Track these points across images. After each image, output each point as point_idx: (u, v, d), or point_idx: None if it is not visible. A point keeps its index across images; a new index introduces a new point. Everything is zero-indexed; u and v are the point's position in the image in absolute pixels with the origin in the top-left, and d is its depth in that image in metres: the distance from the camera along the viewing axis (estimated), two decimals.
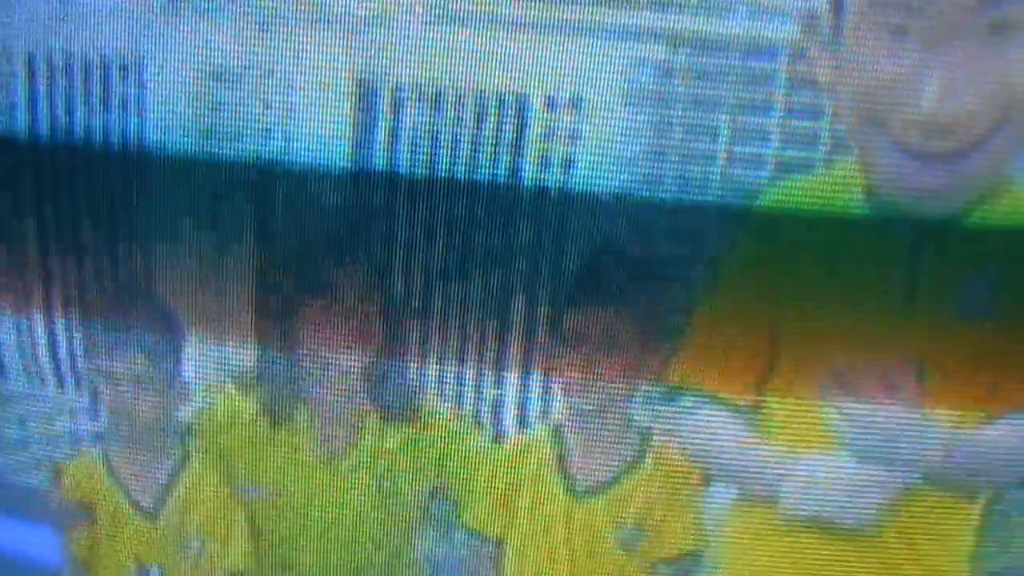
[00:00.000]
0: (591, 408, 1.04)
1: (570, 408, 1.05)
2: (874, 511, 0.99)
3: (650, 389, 1.00)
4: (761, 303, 0.97)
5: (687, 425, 1.02)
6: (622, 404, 1.03)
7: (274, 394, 1.07)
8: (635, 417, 1.03)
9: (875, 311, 0.94)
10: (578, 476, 1.08)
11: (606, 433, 1.04)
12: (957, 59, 0.84)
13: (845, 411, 0.97)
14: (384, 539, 1.14)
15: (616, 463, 1.06)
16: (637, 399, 1.02)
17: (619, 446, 1.04)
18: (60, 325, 1.07)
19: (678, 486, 1.04)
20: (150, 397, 1.08)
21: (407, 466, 1.09)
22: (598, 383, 1.02)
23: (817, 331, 0.96)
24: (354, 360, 1.05)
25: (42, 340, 1.07)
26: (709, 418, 1.01)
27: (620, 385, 1.01)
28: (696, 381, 1.00)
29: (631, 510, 1.07)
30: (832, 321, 0.95)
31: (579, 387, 1.02)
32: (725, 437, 1.01)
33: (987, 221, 0.90)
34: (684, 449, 1.02)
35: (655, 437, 1.04)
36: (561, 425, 1.07)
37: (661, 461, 1.04)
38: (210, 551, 1.14)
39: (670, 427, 1.01)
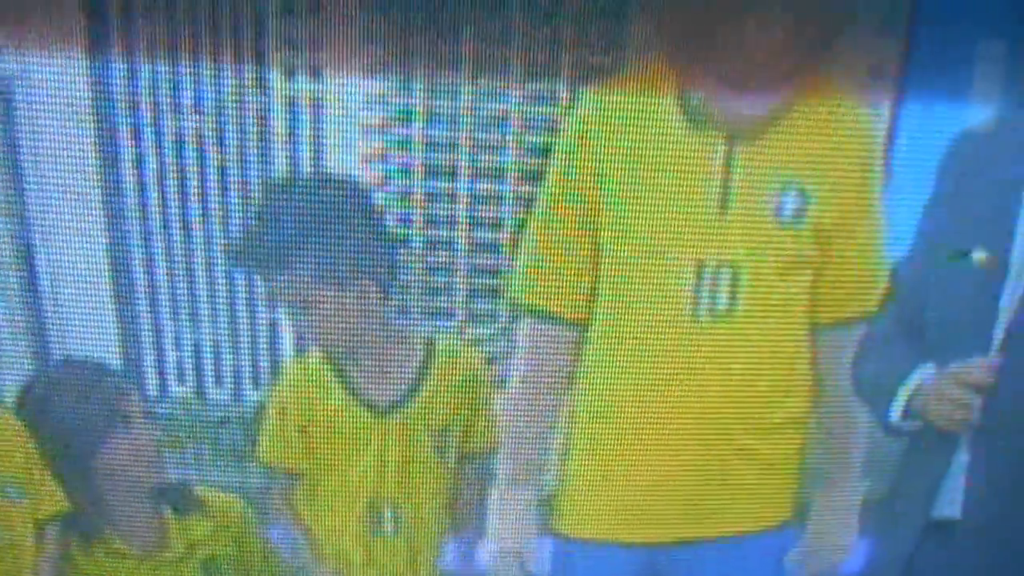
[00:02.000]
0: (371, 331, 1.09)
1: (350, 334, 1.09)
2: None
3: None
4: (584, 212, 1.01)
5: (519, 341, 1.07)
6: (401, 324, 1.09)
7: None
8: (417, 332, 1.10)
9: (690, 217, 0.99)
10: (374, 396, 1.13)
11: (390, 351, 1.09)
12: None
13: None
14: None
15: (408, 376, 1.12)
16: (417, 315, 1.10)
17: (406, 361, 1.10)
18: None
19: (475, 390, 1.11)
20: None
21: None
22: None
23: (633, 239, 1.00)
24: None
25: None
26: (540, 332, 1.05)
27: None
28: (526, 299, 1.06)
29: (436, 415, 1.13)
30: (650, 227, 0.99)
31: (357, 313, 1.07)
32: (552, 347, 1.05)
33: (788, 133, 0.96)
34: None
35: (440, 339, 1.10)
36: (345, 352, 1.12)
37: (450, 370, 1.10)
38: None
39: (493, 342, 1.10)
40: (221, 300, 1.10)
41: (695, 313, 1.00)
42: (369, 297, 1.07)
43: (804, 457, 1.09)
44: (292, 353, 1.18)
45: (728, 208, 0.98)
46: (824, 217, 0.99)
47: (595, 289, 1.03)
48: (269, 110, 0.97)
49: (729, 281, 0.99)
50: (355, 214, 1.02)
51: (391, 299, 1.10)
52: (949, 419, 0.95)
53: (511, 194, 1.03)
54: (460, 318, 1.09)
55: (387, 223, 1.07)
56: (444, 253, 1.07)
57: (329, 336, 1.08)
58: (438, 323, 1.11)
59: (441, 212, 1.05)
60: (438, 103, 0.99)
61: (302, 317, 1.07)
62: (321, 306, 1.04)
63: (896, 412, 0.98)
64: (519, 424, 1.07)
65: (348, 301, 1.05)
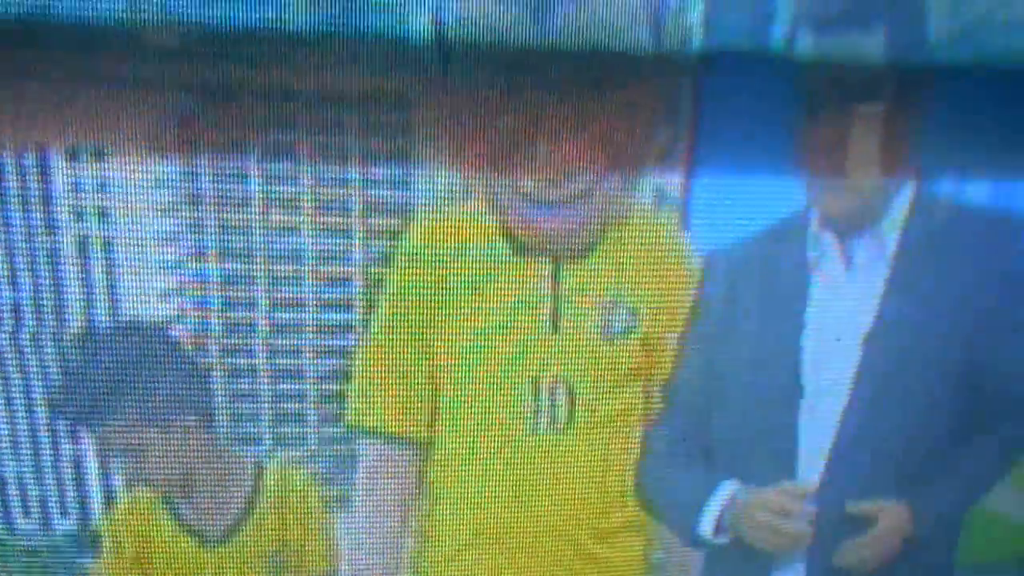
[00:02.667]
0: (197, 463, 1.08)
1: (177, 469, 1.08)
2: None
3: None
4: (417, 339, 1.04)
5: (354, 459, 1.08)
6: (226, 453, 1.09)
7: None
8: (243, 459, 1.10)
9: (524, 338, 1.03)
10: (205, 527, 1.13)
11: (218, 481, 1.09)
12: (564, 116, 0.93)
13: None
14: None
15: (238, 504, 1.12)
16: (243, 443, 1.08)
17: (234, 489, 1.10)
18: None
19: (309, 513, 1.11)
20: None
21: None
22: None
23: (470, 362, 1.04)
24: None
25: None
26: (381, 453, 1.07)
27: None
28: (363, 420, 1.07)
29: (267, 540, 1.12)
30: (484, 348, 1.03)
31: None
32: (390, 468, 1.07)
33: (613, 254, 1.02)
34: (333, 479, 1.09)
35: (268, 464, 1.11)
36: (174, 487, 1.10)
37: (284, 496, 1.11)
38: None
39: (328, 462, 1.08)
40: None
41: (535, 428, 1.04)
42: (192, 432, 1.06)
43: (648, 559, 1.13)
44: (122, 490, 1.15)
45: (559, 327, 1.03)
46: (650, 331, 1.05)
47: (435, 409, 1.06)
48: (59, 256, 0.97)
49: (565, 396, 1.04)
50: (164, 353, 1.02)
51: (214, 431, 1.09)
52: (763, 540, 1.00)
53: (340, 320, 1.05)
54: (287, 442, 1.10)
55: (200, 357, 1.08)
56: (267, 379, 1.08)
57: (157, 474, 1.07)
58: (264, 449, 1.11)
59: (260, 341, 1.06)
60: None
61: (128, 460, 1.06)
62: (146, 448, 1.04)
63: (707, 527, 1.03)
64: (365, 544, 1.08)
65: (172, 439, 1.05)
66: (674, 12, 0.95)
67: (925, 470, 1.01)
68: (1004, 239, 1.04)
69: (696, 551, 1.09)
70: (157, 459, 1.04)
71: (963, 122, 1.04)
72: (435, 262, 1.01)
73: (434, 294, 1.02)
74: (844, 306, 1.02)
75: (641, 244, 1.03)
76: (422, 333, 1.03)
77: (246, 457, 1.13)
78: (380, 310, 1.04)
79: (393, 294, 1.04)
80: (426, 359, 1.04)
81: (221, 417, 1.04)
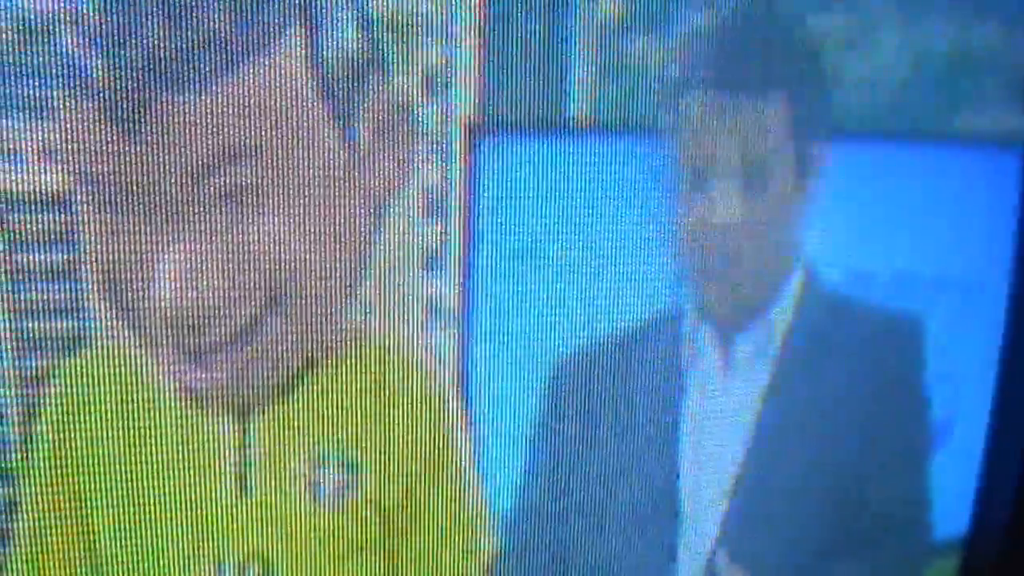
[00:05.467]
0: None
1: None
2: None
3: None
4: (72, 518, 0.77)
5: None
6: None
7: None
8: None
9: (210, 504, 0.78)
10: None
11: None
12: (187, 239, 0.70)
13: None
14: None
15: None
16: None
17: None
18: None
19: None
20: None
21: None
22: None
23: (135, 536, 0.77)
24: None
25: None
26: None
27: None
28: None
29: None
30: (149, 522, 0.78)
31: None
32: None
33: (321, 396, 0.78)
34: None
35: None
36: None
37: None
38: None
39: None
40: None
41: None
42: None
43: None
44: None
45: (248, 494, 0.78)
46: (385, 493, 0.81)
47: None
48: None
49: None
50: None
51: None
52: None
53: None
54: None
55: None
56: None
57: None
58: None
59: None
60: None
61: None
62: None
63: None
64: None
65: None
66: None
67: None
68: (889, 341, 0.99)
69: None
70: None
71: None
72: (90, 415, 0.74)
73: (91, 461, 0.75)
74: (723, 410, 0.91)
75: (366, 379, 0.78)
76: (77, 506, 0.77)
77: None
78: (32, 480, 0.76)
79: (45, 458, 0.76)
80: (84, 539, 0.78)
81: None
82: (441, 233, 0.80)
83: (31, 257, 0.70)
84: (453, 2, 0.74)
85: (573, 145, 0.81)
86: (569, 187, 0.81)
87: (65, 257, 0.71)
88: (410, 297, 0.80)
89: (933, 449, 1.09)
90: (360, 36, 0.71)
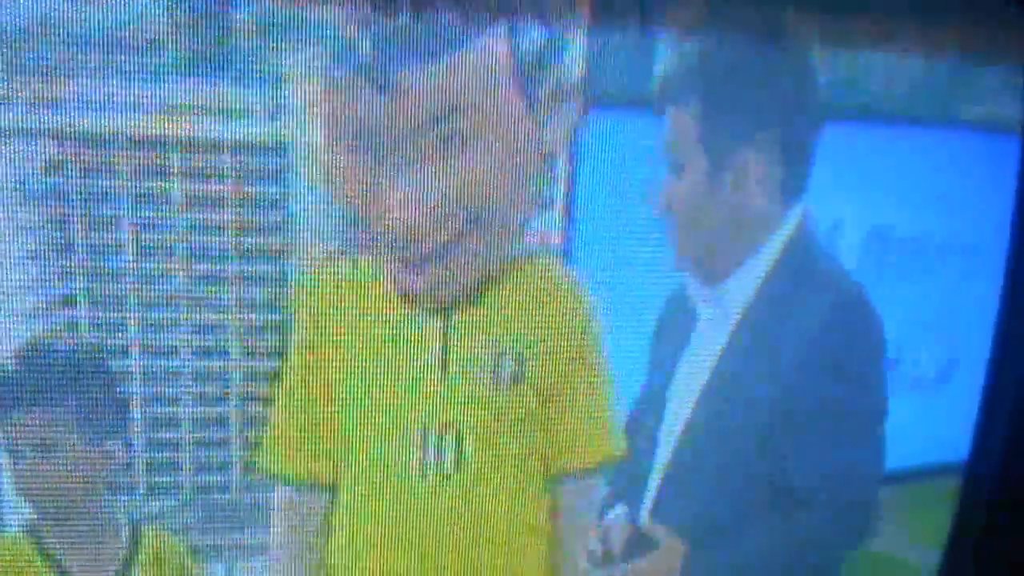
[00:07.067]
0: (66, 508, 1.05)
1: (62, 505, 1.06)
2: None
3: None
4: (323, 385, 1.04)
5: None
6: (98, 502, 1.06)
7: None
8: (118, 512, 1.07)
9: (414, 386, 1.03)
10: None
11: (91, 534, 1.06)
12: (413, 172, 0.94)
13: None
14: None
15: (115, 561, 1.10)
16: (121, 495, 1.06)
17: (110, 543, 1.08)
18: None
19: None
20: None
21: None
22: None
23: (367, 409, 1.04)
24: None
25: None
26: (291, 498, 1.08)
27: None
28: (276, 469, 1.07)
29: None
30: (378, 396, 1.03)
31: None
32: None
33: (499, 301, 1.03)
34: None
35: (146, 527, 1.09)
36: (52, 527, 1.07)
37: (161, 550, 1.09)
38: None
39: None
40: None
41: (423, 473, 1.04)
42: (89, 465, 1.04)
43: None
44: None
45: (447, 376, 1.03)
46: (543, 379, 1.05)
47: (339, 455, 1.06)
48: None
49: (454, 442, 1.04)
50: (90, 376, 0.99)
51: (109, 477, 1.07)
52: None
53: (246, 368, 1.04)
54: (177, 504, 1.07)
55: (113, 395, 1.05)
56: (166, 433, 1.05)
57: (35, 497, 1.05)
58: (147, 507, 1.08)
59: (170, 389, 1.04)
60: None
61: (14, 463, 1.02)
62: (36, 458, 1.01)
63: (595, 546, 1.05)
64: None
65: (69, 462, 1.02)
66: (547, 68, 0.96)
67: (718, 522, 1.07)
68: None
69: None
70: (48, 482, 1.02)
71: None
72: (335, 312, 1.01)
73: (335, 343, 1.02)
74: (696, 355, 1.08)
75: (531, 293, 1.04)
76: (326, 380, 1.04)
77: (124, 512, 1.09)
78: (290, 357, 1.04)
79: (301, 343, 1.04)
80: (330, 405, 1.04)
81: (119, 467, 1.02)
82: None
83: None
84: None
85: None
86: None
87: (322, 189, 0.97)
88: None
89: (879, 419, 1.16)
90: (544, 39, 0.98)
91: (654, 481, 1.06)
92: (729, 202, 1.04)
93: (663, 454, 1.06)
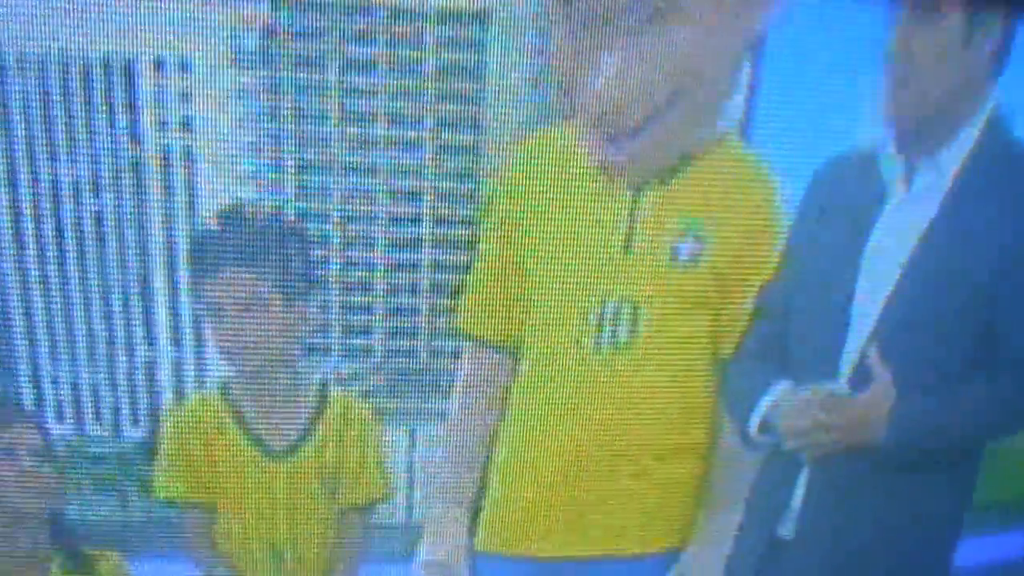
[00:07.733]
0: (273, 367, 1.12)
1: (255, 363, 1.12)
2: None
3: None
4: (515, 252, 1.09)
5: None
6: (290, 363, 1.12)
7: None
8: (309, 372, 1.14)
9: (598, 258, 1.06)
10: (266, 437, 1.16)
11: (287, 394, 1.13)
12: (622, 47, 0.95)
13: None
14: None
15: (300, 420, 1.16)
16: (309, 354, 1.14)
17: (301, 406, 1.14)
18: None
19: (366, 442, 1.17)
20: None
21: None
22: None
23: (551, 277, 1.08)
24: None
25: None
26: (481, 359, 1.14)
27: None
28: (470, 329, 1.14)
29: (326, 464, 1.17)
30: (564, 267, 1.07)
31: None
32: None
33: (689, 182, 1.04)
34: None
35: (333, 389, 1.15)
36: (244, 389, 1.14)
37: (346, 411, 1.16)
38: None
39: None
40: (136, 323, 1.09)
41: (597, 344, 1.07)
42: (286, 325, 1.09)
43: (699, 484, 1.16)
44: (193, 387, 1.17)
45: (631, 251, 1.05)
46: (720, 260, 1.07)
47: (524, 322, 1.11)
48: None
49: (629, 316, 1.06)
50: (288, 240, 1.05)
51: (299, 336, 1.12)
52: (794, 441, 1.04)
53: (446, 236, 1.09)
54: (359, 366, 1.13)
55: (313, 259, 1.10)
56: (361, 297, 1.11)
57: (234, 355, 1.10)
58: (337, 369, 1.14)
59: (366, 254, 1.09)
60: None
61: (216, 322, 1.09)
62: (237, 317, 1.07)
63: (754, 425, 1.07)
64: (458, 445, 1.14)
65: (264, 321, 1.07)
66: None
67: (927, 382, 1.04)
68: None
69: (750, 458, 1.13)
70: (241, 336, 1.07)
71: None
72: (532, 182, 1.05)
73: (530, 212, 1.06)
74: (899, 228, 1.05)
75: (719, 175, 1.05)
76: (518, 248, 1.08)
77: (315, 373, 1.15)
78: (487, 226, 1.10)
79: (498, 210, 1.09)
80: (520, 273, 1.09)
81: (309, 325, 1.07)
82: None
83: None
84: None
85: None
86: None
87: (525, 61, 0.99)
88: None
89: None
90: None
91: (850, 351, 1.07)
92: (962, 61, 1.02)
93: (861, 325, 1.07)
